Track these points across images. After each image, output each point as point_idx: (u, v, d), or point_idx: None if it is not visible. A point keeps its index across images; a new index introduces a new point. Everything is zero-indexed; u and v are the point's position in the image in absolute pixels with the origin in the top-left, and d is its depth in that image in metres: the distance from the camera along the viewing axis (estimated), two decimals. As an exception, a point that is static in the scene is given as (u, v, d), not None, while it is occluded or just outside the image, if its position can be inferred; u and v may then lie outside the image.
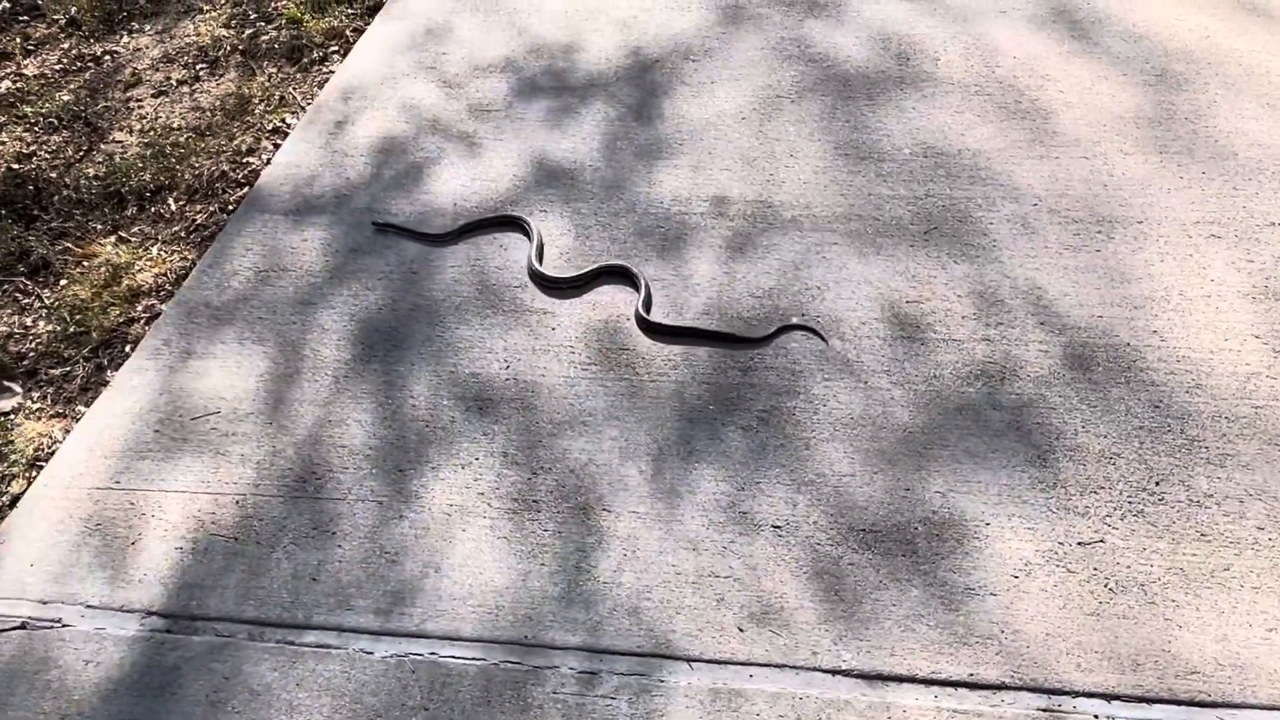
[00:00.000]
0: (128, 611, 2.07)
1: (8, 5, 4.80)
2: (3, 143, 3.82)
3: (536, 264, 2.73)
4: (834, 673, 1.85)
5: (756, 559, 2.05)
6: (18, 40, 4.47)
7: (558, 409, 2.40)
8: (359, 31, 4.15)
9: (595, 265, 2.73)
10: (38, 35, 4.52)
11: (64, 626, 2.06)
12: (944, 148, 3.06)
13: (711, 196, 2.97)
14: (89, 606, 2.09)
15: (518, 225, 2.90)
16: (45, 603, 2.11)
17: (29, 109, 3.94)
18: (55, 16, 4.61)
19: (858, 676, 1.84)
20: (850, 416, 2.30)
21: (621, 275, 2.72)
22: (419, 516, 2.19)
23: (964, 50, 3.49)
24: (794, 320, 2.53)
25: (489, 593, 2.04)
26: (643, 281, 2.65)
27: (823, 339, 2.47)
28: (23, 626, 2.06)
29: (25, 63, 4.34)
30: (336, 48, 4.11)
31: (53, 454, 2.49)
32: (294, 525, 2.21)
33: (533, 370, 2.50)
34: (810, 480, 2.18)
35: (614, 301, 2.67)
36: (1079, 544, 2.01)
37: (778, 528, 2.10)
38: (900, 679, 1.83)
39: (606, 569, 2.06)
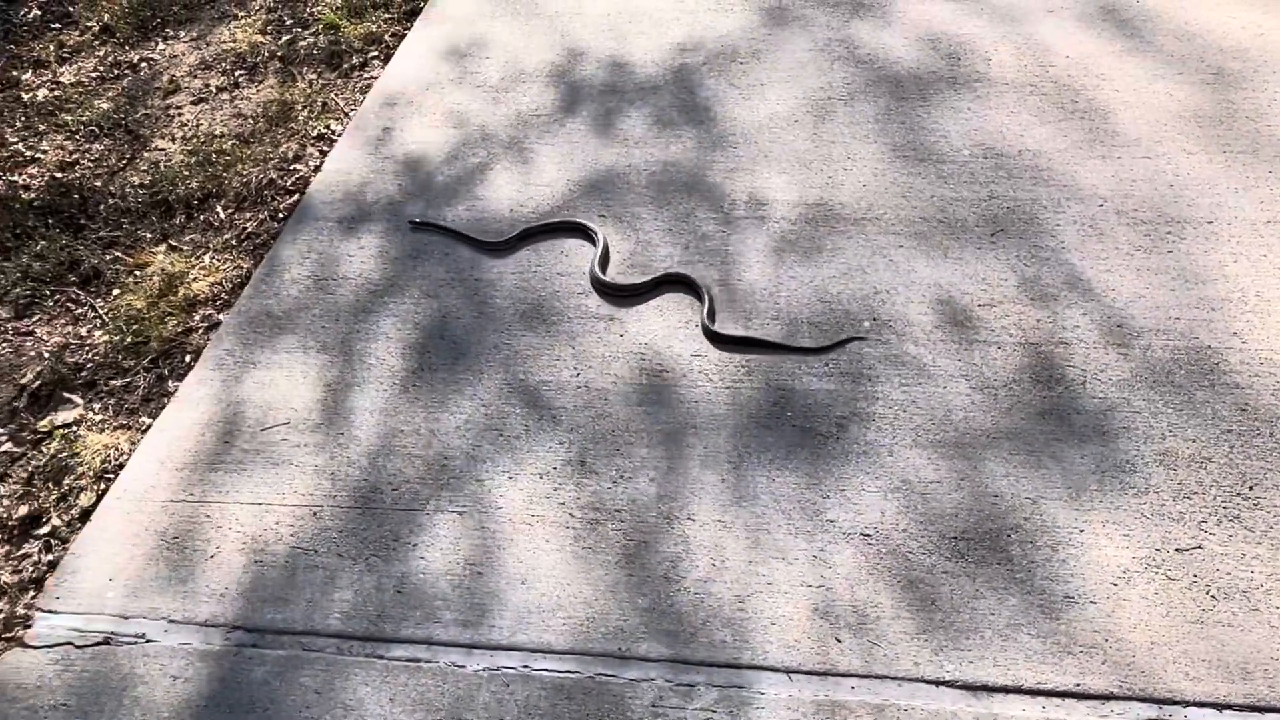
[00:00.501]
0: (212, 626, 2.05)
1: (38, 13, 4.79)
2: (44, 151, 3.80)
3: (600, 271, 2.71)
4: (937, 684, 1.83)
5: (848, 568, 2.02)
6: (52, 48, 4.45)
7: (632, 416, 2.38)
8: (397, 36, 4.13)
9: (658, 274, 2.71)
10: (72, 43, 4.50)
11: (148, 642, 2.04)
12: (1003, 149, 3.03)
13: (770, 200, 2.95)
14: (171, 621, 2.07)
15: (582, 231, 2.87)
16: (126, 617, 2.08)
17: (69, 117, 3.92)
18: (88, 24, 4.59)
19: (962, 688, 1.82)
20: (931, 421, 2.28)
21: (684, 284, 2.69)
22: (500, 527, 2.17)
23: (1015, 50, 3.46)
24: (865, 325, 2.51)
25: (578, 604, 2.02)
26: (705, 291, 2.62)
27: (861, 338, 2.44)
28: (106, 642, 2.04)
29: (61, 70, 4.32)
30: (376, 53, 4.09)
31: (120, 466, 2.47)
32: (374, 537, 2.18)
33: (603, 377, 2.48)
34: (896, 487, 2.16)
35: (681, 307, 2.65)
36: (1176, 550, 1.98)
37: (867, 536, 2.07)
38: (1006, 690, 1.81)
39: (695, 579, 2.04)
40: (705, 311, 2.57)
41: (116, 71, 4.25)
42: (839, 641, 1.90)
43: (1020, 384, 2.34)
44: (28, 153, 3.80)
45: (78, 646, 2.04)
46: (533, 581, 2.06)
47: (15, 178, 3.65)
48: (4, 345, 2.97)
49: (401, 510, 2.23)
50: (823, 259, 2.74)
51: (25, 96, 4.13)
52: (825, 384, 2.39)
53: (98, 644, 2.04)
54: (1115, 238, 2.68)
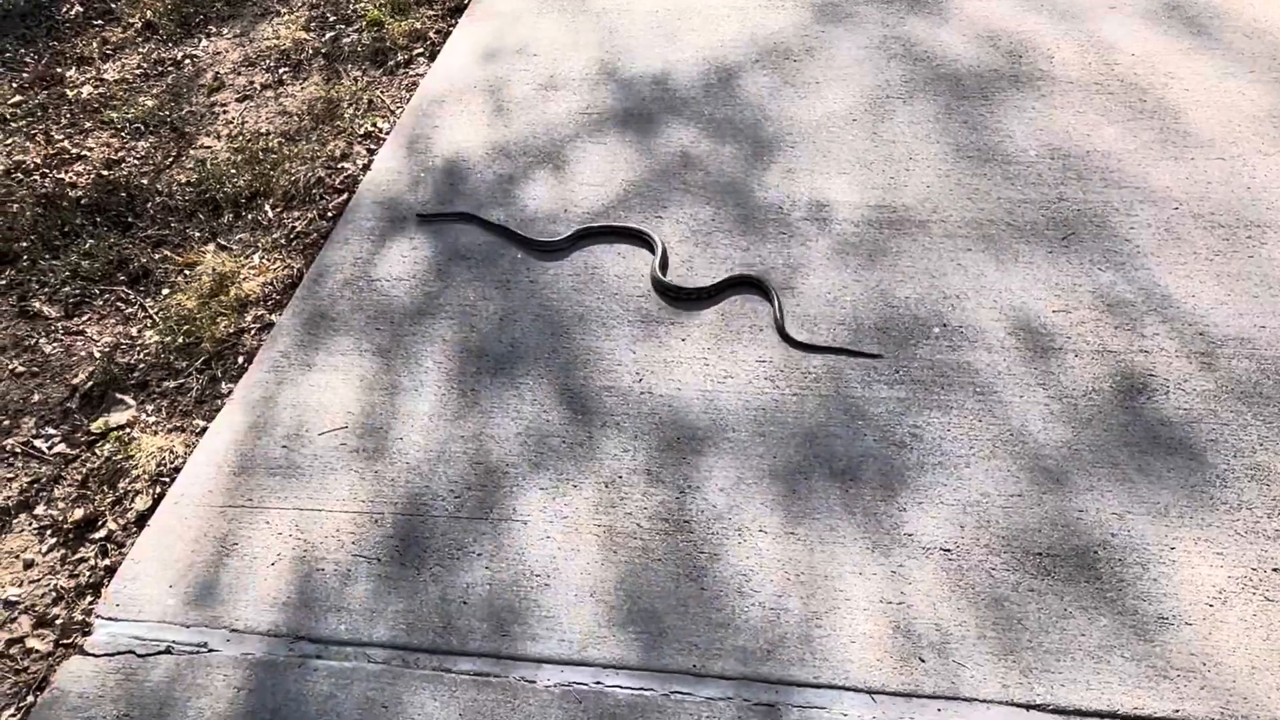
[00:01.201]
0: (275, 636, 2.01)
1: (80, 9, 4.78)
2: (90, 149, 3.78)
3: (661, 275, 2.65)
4: (1028, 708, 1.76)
5: (929, 584, 1.95)
6: (95, 45, 4.43)
7: (698, 424, 2.32)
8: (441, 33, 4.09)
9: (725, 276, 2.64)
10: (114, 39, 4.48)
11: (210, 651, 2.00)
12: (1071, 149, 2.95)
13: (832, 201, 2.88)
14: (233, 630, 2.03)
15: (639, 238, 2.81)
16: (188, 626, 2.05)
17: (114, 114, 3.90)
18: (131, 20, 4.58)
19: (1054, 712, 1.75)
20: (1008, 432, 2.21)
21: (752, 286, 2.63)
22: (567, 537, 2.12)
23: (1078, 47, 3.38)
24: (935, 331, 2.44)
25: (649, 618, 1.96)
26: (775, 293, 2.56)
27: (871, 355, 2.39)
28: (167, 651, 2.00)
29: (105, 67, 4.30)
30: (421, 50, 4.05)
31: (176, 470, 2.44)
32: (437, 545, 2.13)
33: (667, 383, 2.42)
34: (975, 500, 2.08)
35: (744, 311, 2.58)
36: (1274, 570, 1.90)
37: (947, 551, 2.00)
38: (1100, 715, 1.74)
39: (770, 594, 1.97)
40: (777, 311, 2.50)
41: (160, 68, 4.23)
42: (923, 662, 1.84)
43: (1100, 394, 2.26)
44: (74, 150, 3.78)
45: (139, 655, 2.00)
46: (602, 594, 2.01)
47: (63, 175, 3.64)
48: (54, 345, 2.95)
49: (464, 518, 2.18)
50: (888, 262, 2.67)
51: (70, 94, 4.11)
52: (897, 391, 2.32)
53: (159, 653, 2.00)
54: (1193, 242, 2.60)
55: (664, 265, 2.69)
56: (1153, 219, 2.68)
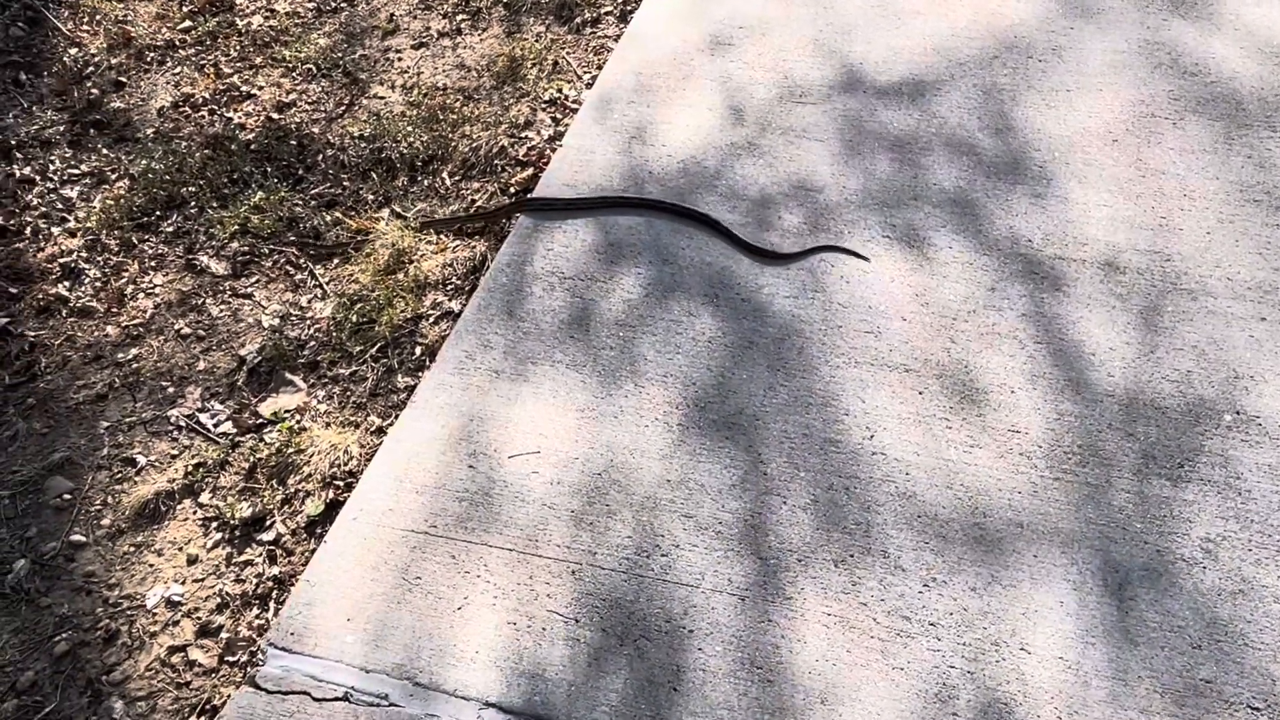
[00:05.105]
0: (462, 698, 1.80)
1: (251, -70, 4.55)
2: (260, 88, 3.59)
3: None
4: None
5: (1236, 751, 1.63)
6: (265, -30, 4.21)
7: (940, 500, 2.01)
8: (630, -11, 3.75)
9: None
10: (285, -34, 4.25)
11: (390, 705, 1.80)
12: (1384, 204, 2.50)
13: (1092, 239, 2.50)
14: (416, 684, 1.83)
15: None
16: (367, 671, 1.85)
17: (286, 52, 3.69)
18: (303, -54, 4.33)
19: None
20: (1327, 564, 1.85)
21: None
22: (790, 624, 1.85)
23: (1386, 76, 2.88)
24: (1226, 419, 2.07)
25: (892, 743, 1.69)
26: None
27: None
28: (345, 699, 1.81)
29: (275, -3, 4.08)
30: (610, 7, 3.73)
31: (350, 473, 2.25)
32: (642, 612, 1.89)
33: (902, 444, 2.12)
34: (1289, 648, 1.74)
35: (991, 366, 2.25)
36: None
37: (1255, 709, 1.68)
38: None
39: (1036, 732, 1.68)
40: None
41: (333, 3, 4.00)
42: None
43: None
44: (244, 88, 3.59)
45: (315, 699, 1.82)
46: (834, 703, 1.74)
47: (232, 115, 3.45)
48: (221, 307, 2.78)
49: (672, 583, 1.93)
50: (1163, 324, 2.29)
51: (240, 24, 3.92)
52: (1183, 491, 1.98)
53: (336, 699, 1.81)
54: None
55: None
56: None
